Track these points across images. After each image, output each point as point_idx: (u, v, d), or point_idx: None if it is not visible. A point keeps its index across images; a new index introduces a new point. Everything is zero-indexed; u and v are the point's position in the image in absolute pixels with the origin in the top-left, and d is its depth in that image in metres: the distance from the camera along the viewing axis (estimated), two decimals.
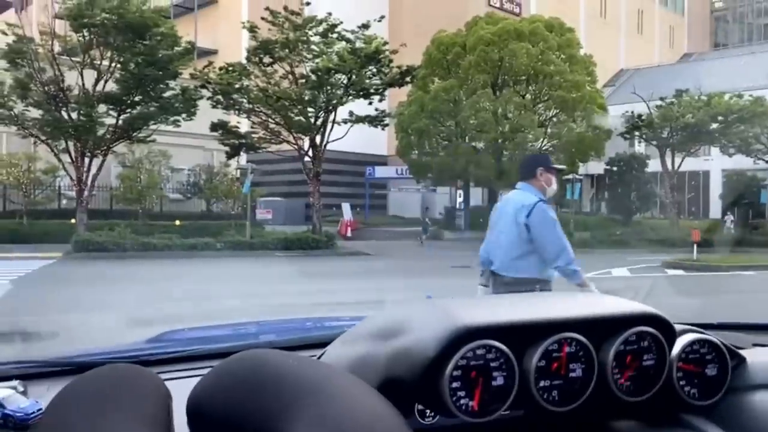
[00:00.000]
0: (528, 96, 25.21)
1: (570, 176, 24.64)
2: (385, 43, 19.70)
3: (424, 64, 24.90)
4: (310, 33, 19.55)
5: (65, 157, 18.47)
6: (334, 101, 19.77)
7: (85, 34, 17.78)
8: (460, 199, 28.89)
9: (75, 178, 18.47)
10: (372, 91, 20.36)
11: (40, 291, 10.59)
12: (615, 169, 28.81)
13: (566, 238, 3.48)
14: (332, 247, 19.50)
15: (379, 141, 32.32)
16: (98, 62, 18.25)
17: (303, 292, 10.45)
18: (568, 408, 0.89)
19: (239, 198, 23.73)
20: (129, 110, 18.88)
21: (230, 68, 19.68)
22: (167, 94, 18.96)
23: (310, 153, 20.66)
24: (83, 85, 18.07)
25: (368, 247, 20.51)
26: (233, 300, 9.14)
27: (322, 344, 1.06)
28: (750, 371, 1.05)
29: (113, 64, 18.32)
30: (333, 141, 20.35)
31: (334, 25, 19.55)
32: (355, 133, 20.86)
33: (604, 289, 3.49)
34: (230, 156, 21.98)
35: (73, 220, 18.72)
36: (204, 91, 19.57)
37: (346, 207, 26.76)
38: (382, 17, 21.21)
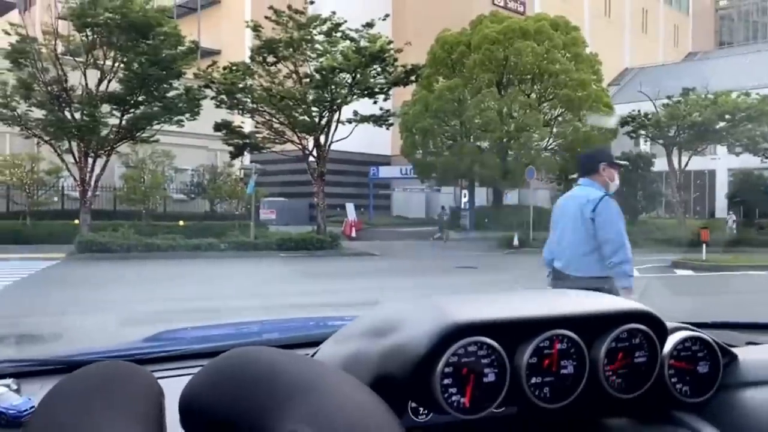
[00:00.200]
0: (533, 95, 25.07)
1: (575, 175, 24.46)
2: (390, 42, 19.58)
3: (429, 63, 24.76)
4: (314, 32, 19.43)
5: (68, 158, 18.39)
6: (339, 100, 19.65)
7: (89, 33, 17.70)
8: (464, 199, 28.74)
9: (78, 178, 18.39)
10: (377, 90, 20.24)
11: (44, 292, 10.50)
12: (621, 168, 28.58)
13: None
14: (337, 248, 19.38)
15: (382, 141, 32.21)
16: (101, 62, 18.17)
17: (308, 292, 10.34)
18: (559, 405, 0.89)
19: (243, 198, 23.65)
20: (132, 110, 18.80)
21: (234, 68, 19.59)
22: (171, 93, 18.86)
23: (314, 153, 20.55)
24: (86, 85, 17.98)
25: (373, 248, 20.39)
26: (237, 301, 9.04)
27: (319, 343, 1.05)
28: (742, 368, 1.05)
29: (116, 64, 18.24)
30: (337, 141, 20.24)
31: (338, 24, 19.43)
32: (358, 133, 20.74)
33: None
34: (234, 156, 21.89)
35: (76, 221, 18.64)
36: (208, 91, 19.48)
37: (350, 207, 26.65)
38: (387, 16, 21.11)
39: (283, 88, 19.76)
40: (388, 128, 22.97)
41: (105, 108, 18.19)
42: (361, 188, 34.45)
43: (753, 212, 27.73)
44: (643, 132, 26.30)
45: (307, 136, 20.66)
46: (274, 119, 20.55)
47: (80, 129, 17.68)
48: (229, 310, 7.85)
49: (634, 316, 0.93)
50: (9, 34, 17.32)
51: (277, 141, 21.21)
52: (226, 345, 1.14)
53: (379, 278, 13.08)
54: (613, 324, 0.92)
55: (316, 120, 20.14)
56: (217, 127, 20.58)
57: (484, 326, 0.84)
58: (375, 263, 17.21)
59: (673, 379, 0.99)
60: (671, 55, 50.26)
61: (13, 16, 27.43)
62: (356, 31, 19.48)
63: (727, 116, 24.67)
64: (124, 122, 18.73)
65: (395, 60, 19.82)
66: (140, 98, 18.68)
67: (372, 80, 19.98)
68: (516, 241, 20.47)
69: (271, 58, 19.60)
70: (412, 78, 20.89)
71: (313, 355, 0.97)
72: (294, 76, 19.97)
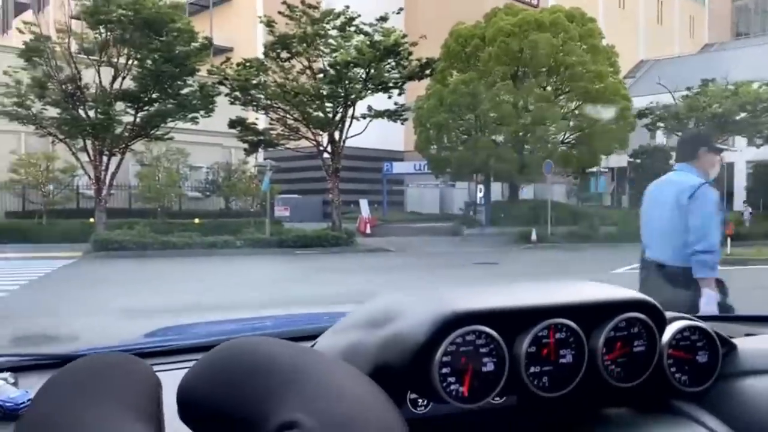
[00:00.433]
0: (549, 87, 24.72)
1: (594, 169, 24.16)
2: (404, 36, 19.36)
3: (443, 56, 24.48)
4: (327, 26, 19.27)
5: (83, 156, 18.38)
6: (353, 96, 19.47)
7: (102, 30, 17.65)
8: (480, 194, 28.45)
9: (93, 177, 18.38)
10: (391, 84, 20.04)
11: (62, 291, 10.43)
12: (639, 161, 28.21)
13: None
14: (352, 244, 19.24)
15: (395, 137, 31.98)
16: (115, 59, 18.13)
17: (326, 290, 10.19)
18: (558, 394, 0.90)
19: (257, 195, 23.58)
20: (146, 107, 18.76)
21: (248, 64, 19.47)
22: (185, 90, 18.82)
23: (329, 149, 20.40)
24: (100, 82, 17.94)
25: (389, 244, 20.21)
26: (256, 298, 8.91)
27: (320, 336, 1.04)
28: (741, 358, 1.06)
29: (130, 61, 18.18)
30: (352, 137, 20.07)
31: (352, 18, 19.24)
32: (371, 129, 20.57)
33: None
34: (249, 153, 21.83)
35: (91, 220, 18.64)
36: (221, 88, 19.39)
37: (363, 203, 26.48)
38: (401, 9, 20.89)
39: (297, 83, 19.62)
40: (402, 123, 22.76)
41: (119, 106, 18.17)
42: (374, 184, 34.26)
43: None
44: (661, 124, 25.90)
45: (321, 132, 20.51)
46: (288, 115, 20.42)
47: (94, 127, 17.65)
48: (247, 307, 7.72)
49: (633, 305, 0.93)
50: (23, 32, 17.30)
51: (291, 137, 21.08)
52: (226, 339, 1.10)
53: (398, 275, 12.91)
54: (611, 313, 0.92)
55: (331, 116, 19.98)
56: (232, 124, 20.50)
57: (482, 315, 0.84)
58: (392, 260, 17.04)
59: (672, 369, 1.00)
60: (687, 46, 49.54)
61: (28, 16, 27.48)
62: (370, 25, 19.30)
63: (748, 107, 24.23)
64: (138, 120, 18.68)
65: (410, 54, 19.59)
66: (154, 95, 18.62)
67: (386, 74, 19.79)
68: (534, 236, 20.20)
69: (284, 54, 19.47)
70: (427, 72, 20.66)
71: (312, 347, 0.94)
72: (308, 71, 19.82)
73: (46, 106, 17.81)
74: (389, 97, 20.34)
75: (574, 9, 25.85)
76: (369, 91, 19.70)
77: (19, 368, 1.05)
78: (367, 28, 19.25)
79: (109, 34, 17.76)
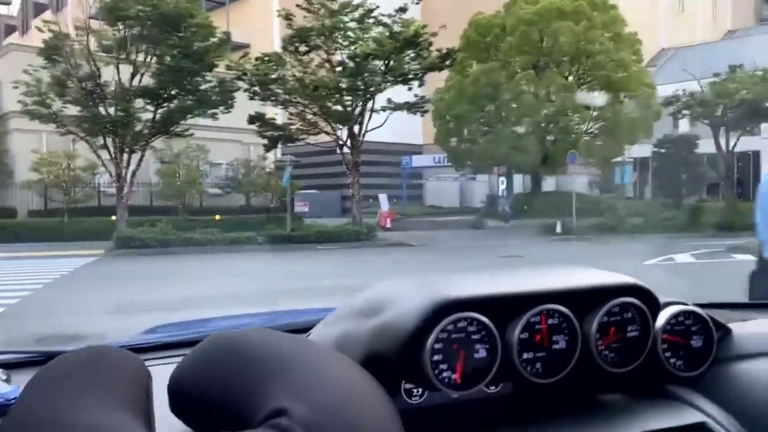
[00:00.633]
0: (571, 77, 24.27)
1: (619, 159, 23.66)
2: (424, 26, 19.05)
3: (462, 47, 24.11)
4: (346, 19, 19.03)
5: (104, 154, 18.38)
6: (372, 88, 19.22)
7: (121, 27, 17.61)
8: (502, 186, 28.09)
9: (114, 174, 18.38)
10: (411, 76, 19.75)
11: (84, 289, 10.37)
12: (663, 151, 27.61)
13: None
14: (373, 239, 19.06)
15: (413, 130, 31.70)
16: (134, 56, 18.08)
17: (352, 283, 9.98)
18: (552, 380, 0.89)
19: (277, 191, 23.48)
20: (166, 104, 18.70)
21: (266, 58, 19.32)
22: (204, 86, 18.74)
23: (349, 143, 20.20)
24: (120, 80, 17.90)
25: (409, 238, 19.97)
26: (279, 293, 8.75)
27: None
28: (735, 342, 1.05)
29: (149, 58, 18.12)
30: (371, 130, 19.85)
31: (371, 10, 18.99)
32: (390, 123, 20.29)
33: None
34: (268, 149, 21.72)
35: (113, 217, 18.66)
36: (240, 83, 19.27)
37: (383, 198, 26.28)
38: (419, 0, 20.57)
39: (316, 77, 19.41)
40: (422, 115, 22.49)
41: (138, 103, 18.13)
42: (393, 178, 34.04)
43: None
44: (687, 112, 25.30)
45: (340, 126, 20.31)
46: (307, 110, 20.23)
47: (115, 124, 17.63)
48: (269, 303, 7.55)
49: (626, 290, 0.93)
50: (42, 31, 17.30)
51: (311, 132, 20.91)
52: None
53: (422, 269, 12.67)
54: (604, 298, 0.91)
55: (350, 109, 19.76)
56: (251, 119, 20.37)
57: (473, 302, 0.83)
58: (414, 254, 16.81)
59: (666, 354, 0.99)
60: (709, 33, 48.49)
61: (47, 16, 27.60)
62: (389, 16, 19.03)
63: None
64: (157, 116, 18.63)
65: (430, 44, 19.28)
66: (173, 92, 18.57)
67: (406, 66, 19.50)
68: (559, 228, 19.83)
69: (303, 47, 19.28)
70: (447, 62, 20.33)
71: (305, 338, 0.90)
72: (327, 64, 19.61)
73: (66, 104, 17.83)
74: (409, 89, 20.06)
75: None
76: (389, 83, 19.44)
77: (13, 365, 1.04)
78: (385, 20, 18.98)
79: (127, 30, 17.71)
